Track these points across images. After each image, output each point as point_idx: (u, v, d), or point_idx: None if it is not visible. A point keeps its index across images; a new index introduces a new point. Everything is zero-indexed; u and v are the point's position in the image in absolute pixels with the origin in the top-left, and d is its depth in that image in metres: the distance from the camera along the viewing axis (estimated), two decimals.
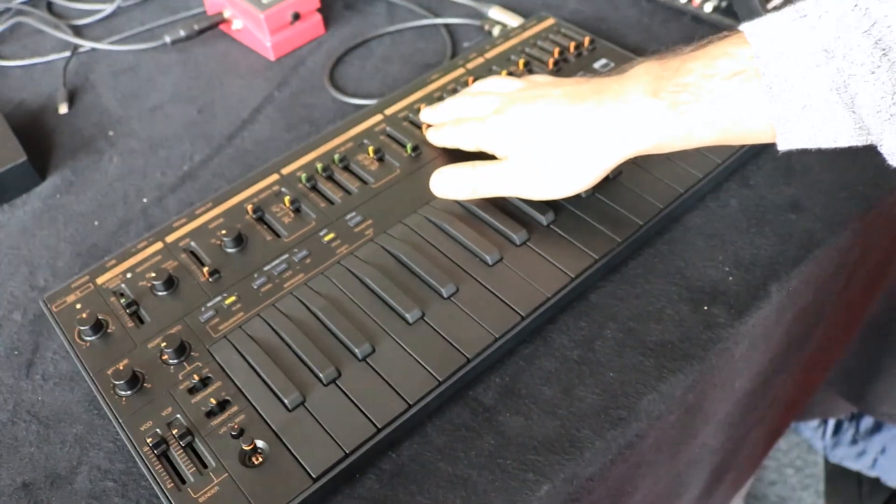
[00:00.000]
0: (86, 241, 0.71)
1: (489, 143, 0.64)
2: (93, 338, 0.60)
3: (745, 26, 0.52)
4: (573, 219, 0.64)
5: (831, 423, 1.31)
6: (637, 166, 0.67)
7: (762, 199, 0.67)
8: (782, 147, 0.52)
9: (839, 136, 0.50)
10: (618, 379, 0.57)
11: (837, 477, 1.34)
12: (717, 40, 0.54)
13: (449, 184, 0.65)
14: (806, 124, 0.50)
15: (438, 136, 0.69)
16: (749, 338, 0.62)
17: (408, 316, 0.58)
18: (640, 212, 0.64)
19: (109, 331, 0.61)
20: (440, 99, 0.76)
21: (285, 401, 0.54)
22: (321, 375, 0.55)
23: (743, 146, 0.68)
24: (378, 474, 0.54)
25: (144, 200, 0.74)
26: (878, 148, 0.49)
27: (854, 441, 1.29)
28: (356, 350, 0.56)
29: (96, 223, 0.73)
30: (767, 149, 0.71)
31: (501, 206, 0.65)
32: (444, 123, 0.69)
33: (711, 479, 0.81)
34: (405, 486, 0.53)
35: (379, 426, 0.53)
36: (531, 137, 0.60)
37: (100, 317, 0.61)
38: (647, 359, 0.58)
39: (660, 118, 0.54)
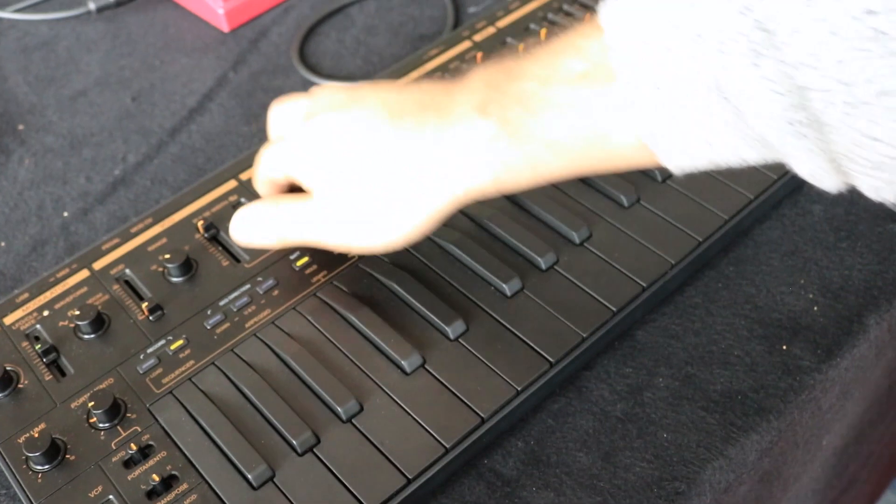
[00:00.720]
0: None
1: (291, 166, 0.60)
2: None
3: (602, 8, 0.47)
4: (613, 235, 0.63)
5: None
6: None
7: (853, 206, 0.67)
8: (675, 170, 0.48)
9: (739, 150, 0.45)
10: (673, 441, 0.56)
11: None
12: (572, 30, 0.49)
13: (249, 229, 0.62)
14: (690, 138, 0.45)
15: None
16: (840, 384, 0.61)
17: (405, 363, 0.57)
18: (699, 225, 0.63)
19: (20, 386, 0.60)
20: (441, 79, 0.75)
21: (249, 476, 0.53)
22: (295, 442, 0.54)
23: None
24: None
25: (65, 214, 0.73)
26: (790, 168, 0.44)
27: None
28: (339, 409, 0.55)
29: (2, 244, 0.72)
30: None
31: (523, 219, 0.64)
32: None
33: None
34: None
35: None
36: (336, 167, 0.56)
37: (7, 368, 0.60)
38: (710, 414, 0.57)
39: (490, 143, 0.51)
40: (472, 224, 0.64)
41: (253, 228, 0.62)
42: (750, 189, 0.65)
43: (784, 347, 0.60)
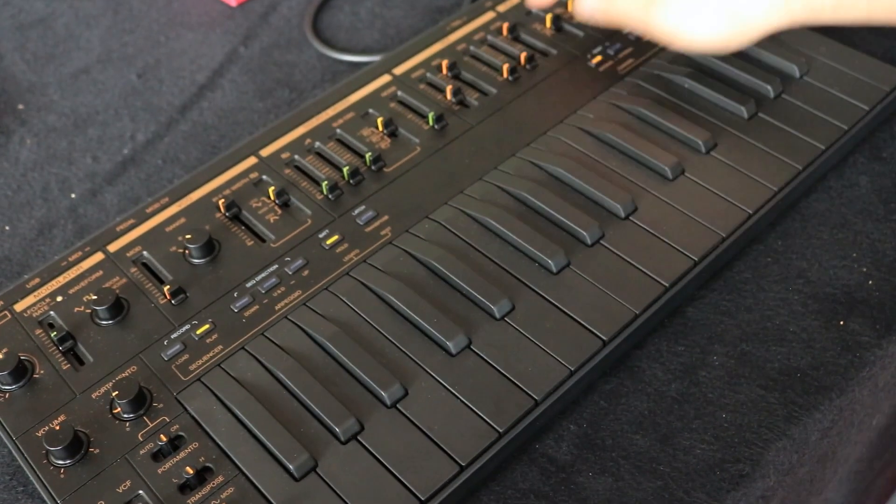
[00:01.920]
0: None
1: None
2: (13, 386, 0.55)
3: None
4: (659, 208, 0.60)
5: None
6: (737, 137, 0.63)
7: None
8: None
9: None
10: (733, 422, 0.53)
11: None
12: None
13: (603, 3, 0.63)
14: None
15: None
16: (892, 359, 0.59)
17: (450, 345, 0.54)
18: (748, 197, 0.60)
19: (37, 375, 0.56)
20: (465, 54, 0.71)
21: (290, 467, 0.49)
22: (338, 430, 0.51)
23: (872, 106, 0.65)
24: None
25: (73, 196, 0.69)
26: None
27: None
28: (383, 394, 0.52)
29: (7, 228, 0.68)
30: None
31: (565, 193, 0.61)
32: None
33: None
34: None
35: (422, 497, 0.49)
36: None
37: (22, 357, 0.56)
38: (769, 393, 0.54)
39: None
40: (510, 199, 0.61)
41: (603, 6, 0.63)
42: (797, 160, 0.62)
43: (841, 323, 0.57)
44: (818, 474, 0.59)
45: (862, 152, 0.66)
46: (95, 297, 0.57)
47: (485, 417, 0.51)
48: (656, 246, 0.58)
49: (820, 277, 0.59)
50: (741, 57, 0.69)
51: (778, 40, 0.70)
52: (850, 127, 0.64)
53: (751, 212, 0.59)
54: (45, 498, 0.51)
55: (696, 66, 0.69)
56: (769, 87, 0.66)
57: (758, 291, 0.59)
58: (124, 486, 0.50)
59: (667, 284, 0.56)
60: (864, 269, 0.59)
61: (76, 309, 0.58)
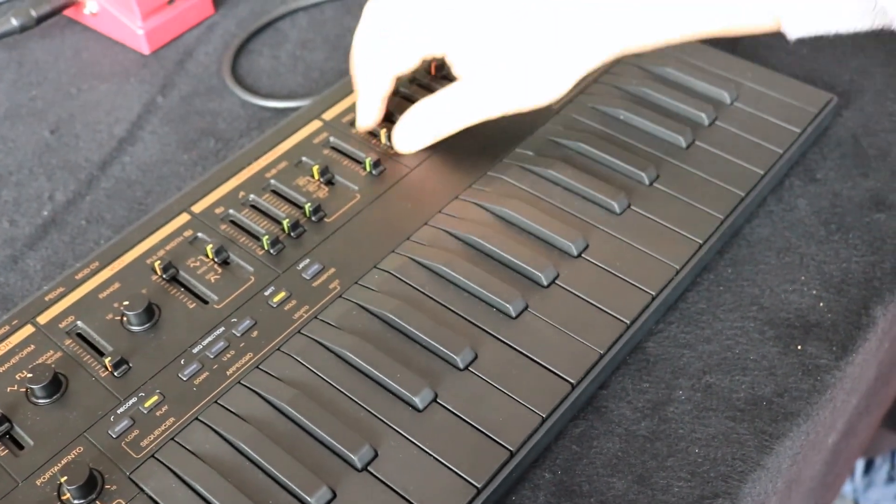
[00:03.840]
0: None
1: (434, 44, 0.62)
2: None
3: None
4: (610, 244, 0.59)
5: (860, 461, 1.32)
6: (677, 167, 0.63)
7: (837, 197, 0.65)
8: (793, 35, 0.55)
9: (856, 20, 0.53)
10: (707, 456, 0.53)
11: None
12: None
13: (416, 132, 0.65)
14: (819, 8, 0.53)
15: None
16: (851, 379, 0.59)
17: (416, 400, 0.52)
18: (695, 226, 0.60)
19: None
20: (396, 95, 0.69)
21: None
22: (310, 500, 0.48)
23: (803, 129, 0.65)
24: None
25: None
26: None
27: (891, 479, 1.30)
28: (353, 457, 0.49)
29: None
30: (829, 132, 0.69)
31: (514, 234, 0.59)
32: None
33: None
34: None
35: None
36: (491, 33, 0.60)
37: None
38: (739, 424, 0.54)
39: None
40: (459, 243, 0.59)
41: (419, 130, 0.64)
42: (739, 186, 0.62)
43: (799, 347, 0.57)
44: (785, 499, 0.59)
45: (797, 175, 0.66)
46: (31, 375, 0.53)
47: (461, 474, 0.49)
48: (612, 282, 0.57)
49: (773, 303, 0.59)
50: (671, 86, 0.69)
51: (703, 68, 0.70)
52: (785, 150, 0.64)
53: (701, 241, 0.59)
54: None
55: (630, 96, 0.69)
56: (703, 115, 0.66)
57: (714, 321, 0.58)
58: None
59: (628, 321, 0.55)
60: (814, 292, 0.60)
61: (9, 388, 0.54)
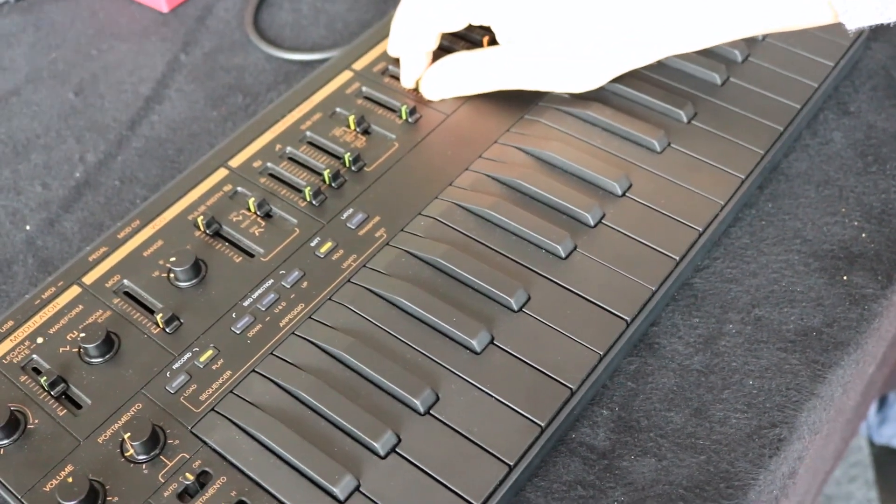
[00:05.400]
0: None
1: (484, 11, 0.61)
2: (6, 441, 0.50)
3: None
4: (653, 182, 0.59)
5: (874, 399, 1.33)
6: (714, 104, 0.63)
7: (871, 129, 0.65)
8: (850, 26, 0.53)
9: None
10: (762, 387, 0.53)
11: (888, 460, 1.37)
12: None
13: (447, 79, 0.64)
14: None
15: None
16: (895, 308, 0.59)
17: (474, 343, 0.51)
18: (736, 162, 0.60)
19: (31, 426, 0.51)
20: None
21: (334, 490, 0.47)
22: (376, 445, 0.48)
23: (836, 62, 0.65)
24: None
25: (27, 228, 0.64)
26: None
27: None
28: (415, 401, 0.49)
29: None
30: (860, 65, 0.68)
31: (558, 176, 0.59)
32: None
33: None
34: None
35: (476, 502, 0.46)
36: (543, 9, 0.59)
37: (12, 407, 0.51)
38: (791, 355, 0.54)
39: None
40: (503, 187, 0.59)
41: (448, 81, 0.64)
42: (777, 121, 0.62)
43: (844, 278, 0.57)
44: (833, 429, 0.60)
45: (831, 109, 0.66)
46: (83, 335, 0.53)
47: (524, 413, 0.49)
48: (658, 220, 0.57)
49: (815, 236, 0.59)
50: None
51: None
52: (819, 84, 0.64)
53: (743, 177, 0.59)
54: None
55: None
56: (736, 52, 0.66)
57: (759, 255, 0.58)
58: None
59: (677, 258, 0.55)
60: (856, 223, 0.60)
61: (61, 349, 0.54)
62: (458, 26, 0.63)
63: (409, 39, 0.64)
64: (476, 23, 0.62)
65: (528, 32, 0.60)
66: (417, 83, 0.65)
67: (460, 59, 0.63)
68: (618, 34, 0.57)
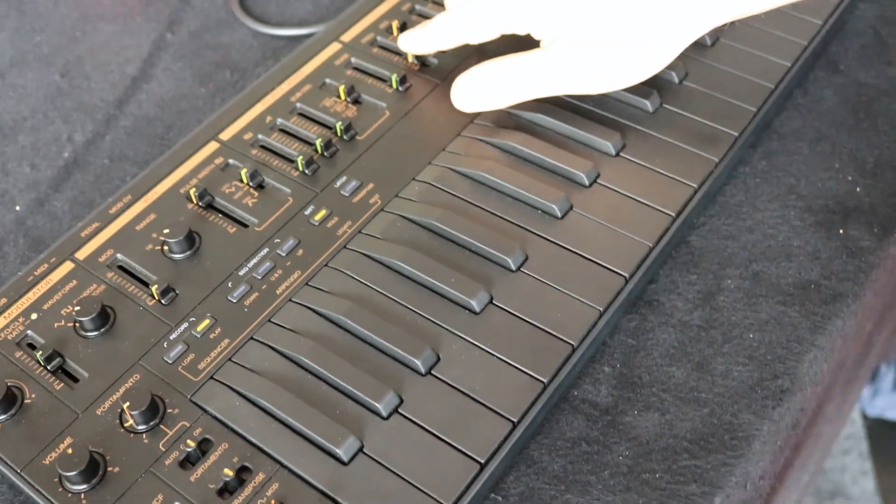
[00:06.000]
0: None
1: (520, 19, 0.58)
2: (4, 416, 0.50)
3: None
4: (646, 141, 0.59)
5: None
6: (704, 63, 0.63)
7: (862, 86, 0.65)
8: None
9: None
10: (762, 340, 0.53)
11: (882, 432, 1.37)
12: None
13: (481, 91, 0.59)
14: None
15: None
16: (892, 259, 0.59)
17: (473, 303, 0.51)
18: (730, 119, 0.60)
19: (28, 401, 0.50)
20: (412, 13, 0.68)
21: (337, 451, 0.46)
22: (378, 406, 0.48)
23: (825, 20, 0.65)
24: None
25: (17, 208, 0.63)
26: None
27: None
28: (416, 361, 0.49)
29: None
30: (848, 25, 0.68)
31: (551, 138, 0.59)
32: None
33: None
34: None
35: (482, 460, 0.46)
36: (582, 9, 0.55)
37: (9, 383, 0.50)
38: (790, 308, 0.54)
39: None
40: (496, 150, 0.59)
41: (486, 91, 0.59)
42: (768, 79, 0.62)
43: (840, 231, 0.57)
44: (834, 380, 0.60)
45: (820, 67, 0.66)
46: (78, 308, 0.52)
47: (526, 370, 0.49)
48: (653, 178, 0.57)
49: (810, 191, 0.59)
50: None
51: None
52: (808, 42, 0.64)
53: (737, 133, 0.59)
54: None
55: None
56: None
57: (754, 212, 0.58)
58: (157, 501, 0.46)
59: (673, 214, 0.55)
60: (850, 178, 0.60)
61: (56, 324, 0.53)
62: (489, 37, 0.60)
63: (450, 24, 0.61)
64: (507, 32, 0.59)
65: (577, 25, 0.56)
66: (415, 55, 0.65)
67: (500, 65, 0.58)
68: (668, 14, 0.54)
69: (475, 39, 0.60)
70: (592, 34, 0.55)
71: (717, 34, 0.65)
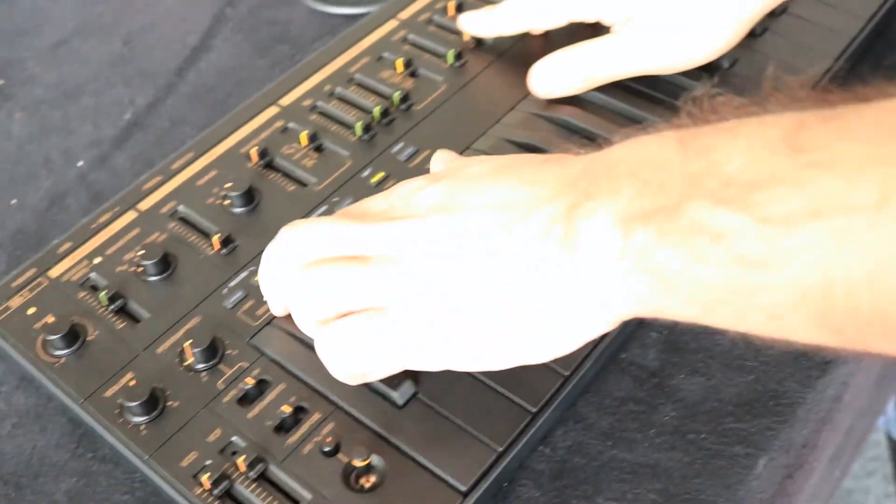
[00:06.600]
0: (4, 227, 0.62)
1: (591, 5, 0.59)
2: (67, 351, 0.51)
3: None
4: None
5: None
6: (752, 50, 0.64)
7: None
8: None
9: None
10: None
11: None
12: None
13: (556, 74, 0.60)
14: None
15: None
16: None
17: None
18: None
19: (90, 338, 0.52)
20: None
21: (393, 395, 0.47)
22: None
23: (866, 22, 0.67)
24: (534, 479, 0.48)
25: (79, 164, 0.65)
26: None
27: None
28: None
29: (13, 202, 0.63)
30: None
31: (607, 119, 0.60)
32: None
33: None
34: (575, 489, 0.47)
35: (533, 409, 0.47)
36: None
37: (73, 320, 0.52)
38: None
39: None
40: (552, 125, 0.60)
41: (565, 76, 0.59)
42: (814, 69, 0.63)
43: None
44: (873, 364, 0.61)
45: (865, 62, 0.67)
46: (142, 253, 0.54)
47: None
48: None
49: None
50: None
51: None
52: (854, 36, 0.65)
53: None
54: (129, 457, 0.47)
55: None
56: None
57: None
58: (215, 435, 0.47)
59: None
60: None
61: (119, 269, 0.55)
62: (559, 23, 0.62)
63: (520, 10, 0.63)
64: (580, 17, 0.60)
65: (651, 5, 0.57)
66: (477, 33, 0.66)
67: (579, 51, 0.59)
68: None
69: (543, 27, 0.62)
70: (667, 13, 0.56)
71: (766, 24, 0.66)
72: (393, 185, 0.57)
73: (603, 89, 0.61)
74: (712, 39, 0.57)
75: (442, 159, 0.52)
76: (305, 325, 0.47)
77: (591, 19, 0.60)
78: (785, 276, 0.31)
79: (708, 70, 0.62)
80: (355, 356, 0.43)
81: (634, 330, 0.53)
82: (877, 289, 0.29)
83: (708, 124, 0.37)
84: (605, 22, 0.60)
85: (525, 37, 0.66)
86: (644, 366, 0.52)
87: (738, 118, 0.35)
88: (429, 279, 0.41)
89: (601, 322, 0.40)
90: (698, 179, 0.34)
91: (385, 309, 0.43)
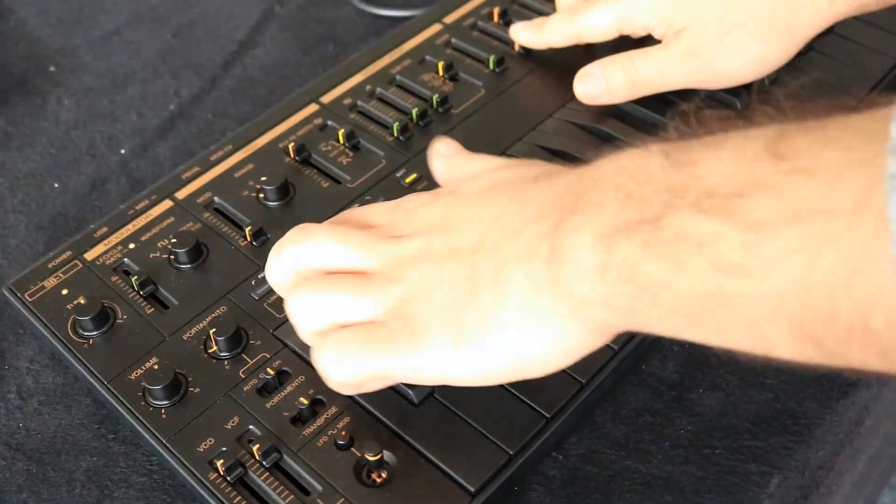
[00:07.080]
0: (45, 209, 0.63)
1: (641, 20, 0.58)
2: (96, 332, 0.53)
3: None
4: None
5: None
6: (793, 67, 0.64)
7: None
8: None
9: None
10: None
11: None
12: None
13: (602, 81, 0.59)
14: None
15: (542, 31, 0.63)
16: None
17: None
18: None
19: (120, 321, 0.53)
20: (514, 2, 0.71)
21: (409, 393, 0.48)
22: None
23: None
24: (546, 484, 0.48)
25: (122, 151, 0.67)
26: None
27: None
28: None
29: (56, 185, 0.65)
30: None
31: (640, 127, 0.60)
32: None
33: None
34: (586, 497, 0.48)
35: (547, 415, 0.47)
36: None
37: (103, 303, 0.53)
38: None
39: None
40: (587, 134, 0.60)
41: (611, 83, 0.59)
42: (855, 89, 0.63)
43: None
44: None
45: None
46: (175, 241, 0.55)
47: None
48: None
49: None
50: None
51: None
52: None
53: None
54: (149, 439, 0.48)
55: None
56: None
57: None
58: (232, 423, 0.48)
59: None
60: None
61: (151, 255, 0.56)
62: (608, 36, 0.61)
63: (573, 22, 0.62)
64: (630, 31, 0.60)
65: (703, 18, 0.56)
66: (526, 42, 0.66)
67: (627, 60, 0.59)
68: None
69: (593, 39, 0.62)
70: (718, 29, 0.56)
71: (811, 43, 0.65)
72: (425, 187, 0.58)
73: (642, 100, 0.61)
74: (762, 57, 0.57)
75: (440, 152, 0.52)
76: (304, 337, 0.47)
77: (642, 33, 0.60)
78: (764, 284, 0.31)
79: (748, 86, 0.61)
80: (350, 367, 0.44)
81: (655, 341, 0.53)
82: (855, 294, 0.29)
83: (695, 138, 0.37)
84: (656, 35, 0.59)
85: (570, 47, 0.66)
86: (663, 378, 0.52)
87: (724, 131, 0.35)
88: (426, 298, 0.42)
89: (593, 336, 0.40)
90: (682, 190, 0.34)
91: (383, 323, 0.43)
